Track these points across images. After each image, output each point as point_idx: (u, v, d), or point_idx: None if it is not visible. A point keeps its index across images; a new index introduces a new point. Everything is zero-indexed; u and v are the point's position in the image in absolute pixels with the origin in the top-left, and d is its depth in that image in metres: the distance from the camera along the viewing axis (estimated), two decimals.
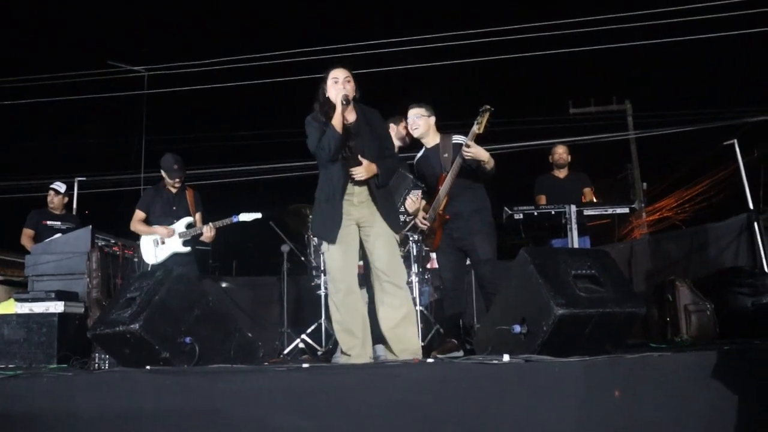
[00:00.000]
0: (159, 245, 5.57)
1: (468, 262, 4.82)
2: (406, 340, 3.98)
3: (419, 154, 4.91)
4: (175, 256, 5.58)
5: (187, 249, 5.62)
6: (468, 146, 4.38)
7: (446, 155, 4.61)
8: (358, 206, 3.97)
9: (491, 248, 4.58)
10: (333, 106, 3.93)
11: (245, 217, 5.56)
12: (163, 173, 5.82)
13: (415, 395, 2.77)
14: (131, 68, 14.06)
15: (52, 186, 6.75)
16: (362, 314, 3.99)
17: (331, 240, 3.91)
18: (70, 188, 7.25)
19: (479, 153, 4.43)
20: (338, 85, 3.96)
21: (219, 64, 14.64)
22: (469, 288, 6.07)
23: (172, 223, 5.64)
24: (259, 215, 5.59)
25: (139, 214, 5.71)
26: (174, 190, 5.78)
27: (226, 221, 5.55)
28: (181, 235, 5.58)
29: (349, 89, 3.95)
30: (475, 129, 4.41)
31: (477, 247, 4.52)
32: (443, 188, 4.57)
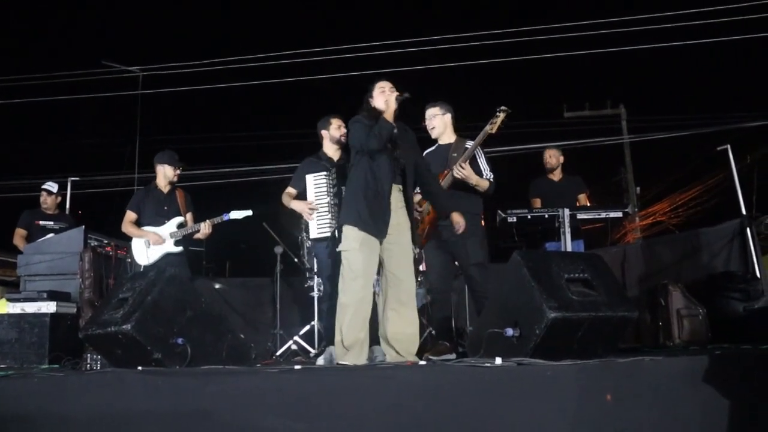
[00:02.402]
0: (151, 246, 5.55)
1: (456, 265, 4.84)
2: (413, 345, 4.08)
3: (430, 148, 4.94)
4: (168, 257, 5.56)
5: (179, 249, 5.60)
6: (462, 167, 4.46)
7: (455, 155, 4.64)
8: (394, 211, 4.04)
9: (482, 252, 4.60)
10: (380, 113, 4.08)
11: (236, 214, 5.55)
12: (162, 167, 5.78)
13: (408, 398, 2.77)
14: (125, 68, 14.01)
15: (43, 186, 6.71)
16: (368, 316, 4.05)
17: (381, 235, 3.96)
18: (63, 188, 7.22)
19: (470, 177, 4.51)
20: (386, 92, 4.13)
21: (214, 64, 14.62)
22: (463, 291, 6.08)
23: (163, 224, 5.62)
24: (249, 212, 5.58)
25: (130, 215, 5.67)
26: (166, 190, 5.77)
27: (217, 219, 5.55)
28: (172, 235, 5.57)
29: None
30: (488, 129, 4.44)
31: (468, 249, 4.54)
32: (443, 184, 4.59)
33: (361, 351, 3.96)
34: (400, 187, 4.12)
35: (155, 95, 14.61)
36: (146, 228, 5.62)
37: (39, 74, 14.97)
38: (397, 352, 4.03)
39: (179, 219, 5.68)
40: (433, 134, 4.84)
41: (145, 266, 5.50)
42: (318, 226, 4.82)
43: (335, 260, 4.76)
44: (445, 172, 4.62)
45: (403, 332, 4.03)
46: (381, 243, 4.00)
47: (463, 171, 4.48)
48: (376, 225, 3.96)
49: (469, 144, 4.66)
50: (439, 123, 4.79)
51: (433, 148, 4.92)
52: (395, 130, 4.03)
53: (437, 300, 4.80)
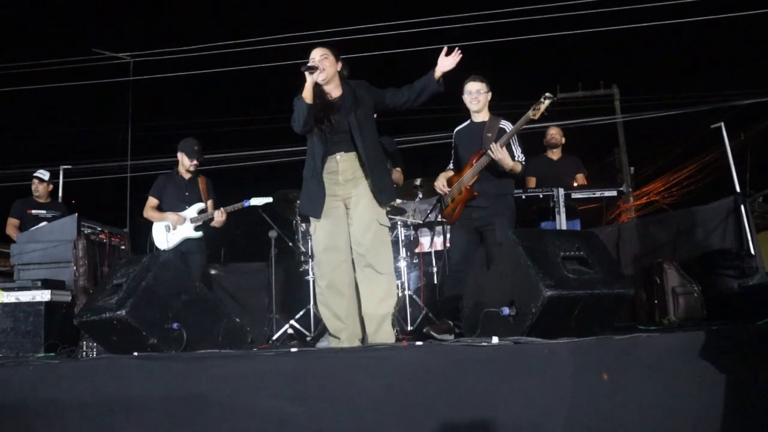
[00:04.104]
0: (171, 231, 5.64)
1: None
2: (382, 325, 3.90)
3: (462, 125, 4.90)
4: (187, 242, 5.68)
5: (199, 234, 5.72)
6: (497, 149, 4.42)
7: (489, 135, 4.61)
8: (343, 185, 3.91)
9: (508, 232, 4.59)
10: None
11: (256, 201, 5.66)
12: (181, 156, 5.85)
13: (404, 378, 2.76)
14: (116, 55, 13.90)
15: (35, 174, 6.70)
16: (348, 298, 3.93)
17: (316, 215, 3.87)
18: (54, 176, 7.20)
19: (504, 160, 4.46)
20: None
21: (205, 49, 14.51)
22: None
23: (184, 209, 5.73)
24: (270, 199, 5.69)
25: (152, 201, 5.79)
26: (187, 177, 5.84)
27: (237, 206, 5.66)
28: (192, 220, 5.66)
29: (326, 65, 3.88)
30: (530, 114, 4.40)
31: (496, 229, 4.52)
32: (477, 165, 4.58)
33: (353, 336, 3.89)
34: (354, 154, 3.92)
35: (146, 82, 14.54)
36: (166, 213, 5.71)
37: (29, 62, 14.89)
38: (364, 332, 3.90)
39: (200, 205, 5.77)
40: (473, 108, 4.76)
41: (165, 251, 5.53)
42: None
43: None
44: (480, 151, 4.60)
45: (372, 312, 3.87)
46: (320, 216, 3.87)
47: (497, 154, 4.44)
48: (312, 206, 3.88)
49: (503, 124, 4.63)
50: (484, 100, 4.74)
51: (465, 124, 4.87)
52: (335, 100, 3.90)
53: (452, 278, 4.77)
